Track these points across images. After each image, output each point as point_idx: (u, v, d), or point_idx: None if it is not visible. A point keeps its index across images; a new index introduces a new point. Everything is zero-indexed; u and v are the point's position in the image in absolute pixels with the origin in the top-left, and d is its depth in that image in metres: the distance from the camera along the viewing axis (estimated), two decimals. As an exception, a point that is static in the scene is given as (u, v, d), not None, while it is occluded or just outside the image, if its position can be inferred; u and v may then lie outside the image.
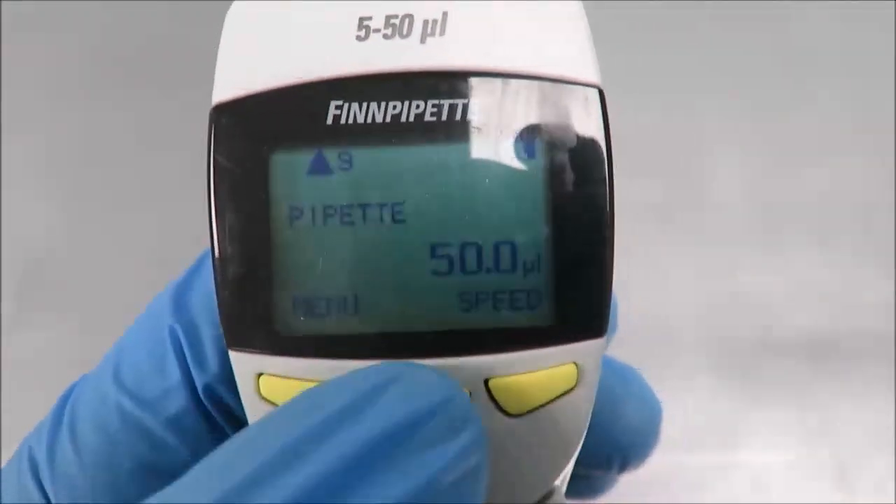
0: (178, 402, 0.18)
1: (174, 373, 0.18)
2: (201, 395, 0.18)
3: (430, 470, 0.13)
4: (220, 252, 0.16)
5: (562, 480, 0.18)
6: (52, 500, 0.18)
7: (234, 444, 0.13)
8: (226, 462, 0.13)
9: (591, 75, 0.16)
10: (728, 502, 0.41)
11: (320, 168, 0.16)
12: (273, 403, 0.16)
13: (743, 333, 0.45)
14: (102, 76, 0.48)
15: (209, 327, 0.18)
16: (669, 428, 0.42)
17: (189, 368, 0.18)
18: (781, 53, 0.50)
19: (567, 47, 0.16)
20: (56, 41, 0.49)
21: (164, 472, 0.18)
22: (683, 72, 0.50)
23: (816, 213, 0.47)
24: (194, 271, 0.18)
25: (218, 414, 0.18)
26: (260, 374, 0.16)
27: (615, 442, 0.23)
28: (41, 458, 0.18)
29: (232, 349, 0.16)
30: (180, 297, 0.18)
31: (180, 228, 0.29)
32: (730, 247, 0.46)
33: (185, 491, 0.13)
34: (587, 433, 0.22)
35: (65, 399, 0.19)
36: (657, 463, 0.41)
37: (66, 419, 0.18)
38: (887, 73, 0.50)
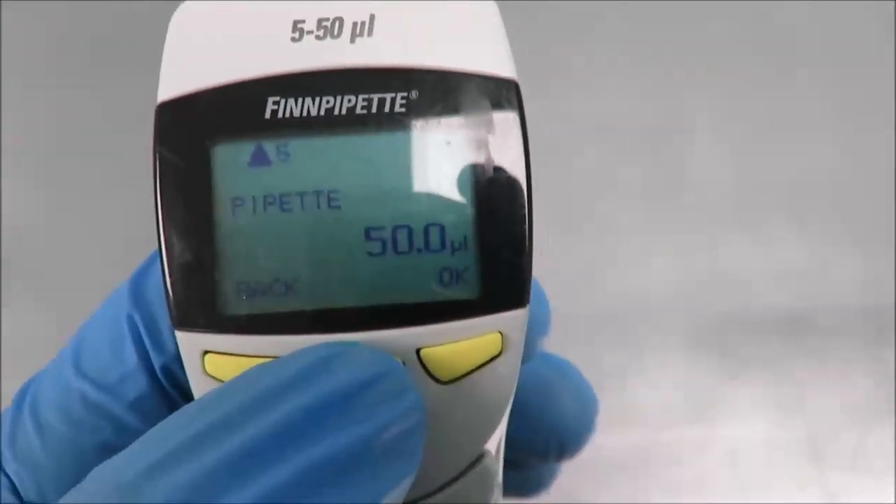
0: (138, 385, 0.19)
1: (133, 358, 0.19)
2: (160, 376, 0.19)
3: (376, 422, 0.14)
4: (166, 240, 0.17)
5: (496, 449, 0.19)
6: (16, 483, 0.19)
7: (194, 405, 0.15)
8: (191, 416, 0.14)
9: (507, 70, 0.17)
10: (704, 477, 0.43)
11: (260, 159, 0.17)
12: (217, 379, 0.17)
13: (720, 310, 0.46)
14: (78, 59, 0.49)
15: (166, 314, 0.18)
16: (647, 404, 0.44)
17: (147, 353, 0.19)
18: (759, 35, 0.51)
19: (484, 45, 0.17)
20: (28, 24, 0.50)
21: None
22: (662, 54, 0.50)
23: (793, 192, 0.48)
24: (150, 264, 0.19)
25: (177, 394, 0.19)
26: (205, 352, 0.17)
27: (551, 428, 0.24)
28: (3, 444, 0.19)
29: (179, 330, 0.17)
30: (137, 288, 0.19)
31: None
32: (708, 225, 0.47)
33: (136, 451, 0.14)
34: (524, 419, 0.23)
35: (23, 392, 0.20)
36: (634, 438, 0.43)
37: (27, 408, 0.19)
38: (863, 54, 0.50)
